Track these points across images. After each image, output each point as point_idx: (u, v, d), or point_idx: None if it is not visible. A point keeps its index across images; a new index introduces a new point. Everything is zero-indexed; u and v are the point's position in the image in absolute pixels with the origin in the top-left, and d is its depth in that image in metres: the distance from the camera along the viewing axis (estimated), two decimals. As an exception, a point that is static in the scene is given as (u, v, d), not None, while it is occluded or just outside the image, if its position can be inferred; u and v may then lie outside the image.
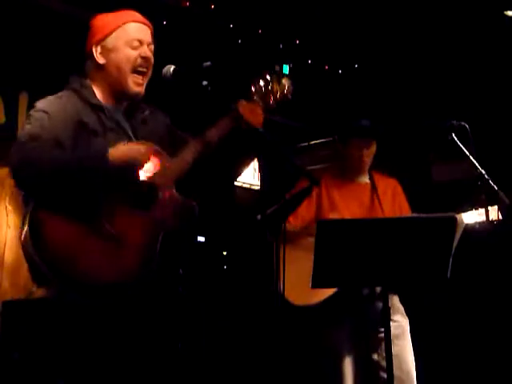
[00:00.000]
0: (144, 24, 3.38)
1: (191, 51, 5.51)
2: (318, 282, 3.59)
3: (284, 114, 6.36)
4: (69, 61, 5.29)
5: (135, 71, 3.30)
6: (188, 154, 3.28)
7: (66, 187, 3.02)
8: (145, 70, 3.32)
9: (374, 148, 4.61)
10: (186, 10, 5.60)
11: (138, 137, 3.31)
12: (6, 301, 5.62)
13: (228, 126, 3.35)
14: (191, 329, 6.06)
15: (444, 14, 5.88)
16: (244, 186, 7.08)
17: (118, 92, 3.32)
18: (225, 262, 6.99)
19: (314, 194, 4.54)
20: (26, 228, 2.97)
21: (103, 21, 3.37)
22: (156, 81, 3.38)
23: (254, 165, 6.85)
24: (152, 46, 3.36)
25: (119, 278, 3.03)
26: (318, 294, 4.19)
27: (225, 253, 7.02)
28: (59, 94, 3.31)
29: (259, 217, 3.92)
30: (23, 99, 5.71)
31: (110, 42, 3.31)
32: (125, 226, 3.09)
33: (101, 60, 3.31)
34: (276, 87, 3.41)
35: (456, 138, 4.03)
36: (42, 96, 3.25)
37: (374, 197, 4.59)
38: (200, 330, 6.25)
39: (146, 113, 3.43)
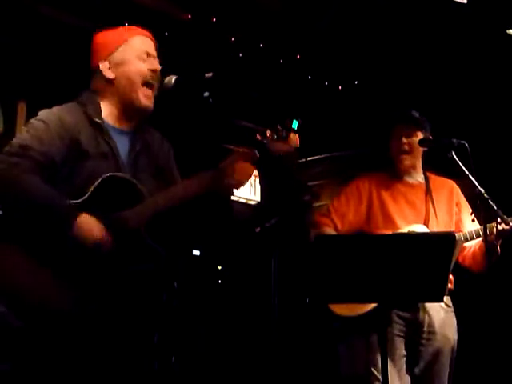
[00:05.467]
0: (149, 38, 3.39)
1: (191, 64, 5.51)
2: (313, 297, 3.57)
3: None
4: (68, 70, 5.33)
5: (145, 84, 3.28)
6: (163, 200, 3.19)
7: (26, 216, 3.01)
8: (154, 82, 3.30)
9: (417, 139, 4.40)
10: (187, 22, 5.60)
11: (135, 164, 3.27)
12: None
13: (207, 186, 3.24)
14: (186, 343, 6.04)
15: (443, 32, 5.89)
16: (240, 200, 7.07)
17: (128, 107, 3.30)
18: (220, 277, 6.97)
19: (364, 199, 4.46)
20: None
21: (107, 37, 3.37)
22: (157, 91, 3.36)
23: (251, 180, 6.84)
24: (158, 60, 3.35)
25: (59, 306, 2.98)
26: (362, 306, 4.15)
27: (220, 267, 7.00)
28: (65, 105, 3.28)
29: (258, 229, 3.90)
30: (21, 108, 5.69)
31: (118, 56, 3.29)
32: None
33: (110, 75, 3.29)
34: (282, 142, 3.28)
35: (455, 157, 4.03)
36: (41, 105, 3.22)
37: (428, 199, 4.46)
38: (195, 344, 6.22)
39: (154, 137, 3.41)
